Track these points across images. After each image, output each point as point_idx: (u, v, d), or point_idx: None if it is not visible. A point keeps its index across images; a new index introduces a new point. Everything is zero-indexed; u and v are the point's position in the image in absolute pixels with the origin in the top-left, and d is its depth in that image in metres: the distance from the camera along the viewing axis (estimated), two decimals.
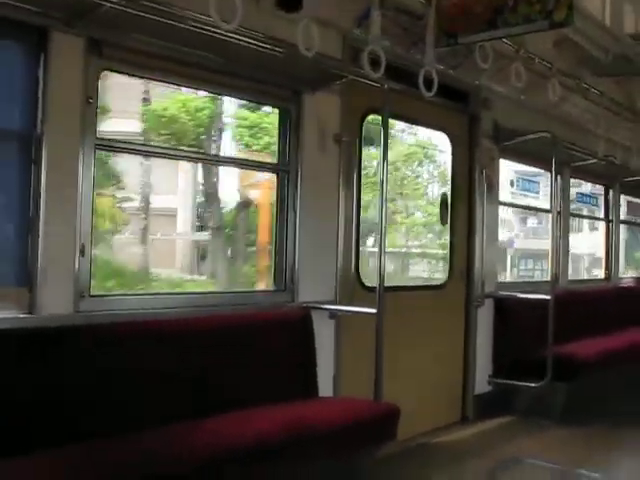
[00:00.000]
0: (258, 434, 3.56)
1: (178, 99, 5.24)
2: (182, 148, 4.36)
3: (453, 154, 6.38)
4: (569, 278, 8.34)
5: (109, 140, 3.92)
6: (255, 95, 4.75)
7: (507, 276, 8.35)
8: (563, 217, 8.00)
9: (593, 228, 10.89)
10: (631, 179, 9.06)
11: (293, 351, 4.58)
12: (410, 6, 5.03)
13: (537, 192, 8.91)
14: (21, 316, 3.50)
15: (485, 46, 5.11)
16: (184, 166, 5.93)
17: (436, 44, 4.83)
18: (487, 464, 5.15)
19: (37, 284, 3.54)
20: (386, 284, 4.57)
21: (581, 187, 9.52)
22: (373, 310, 4.53)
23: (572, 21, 4.35)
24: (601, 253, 9.52)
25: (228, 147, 6.03)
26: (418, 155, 7.70)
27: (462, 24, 4.68)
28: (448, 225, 6.30)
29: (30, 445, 3.17)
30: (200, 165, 5.81)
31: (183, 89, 4.94)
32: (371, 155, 5.74)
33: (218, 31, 3.69)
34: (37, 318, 3.51)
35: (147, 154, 4.33)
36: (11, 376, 3.28)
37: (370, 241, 6.17)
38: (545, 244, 7.80)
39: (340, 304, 5.02)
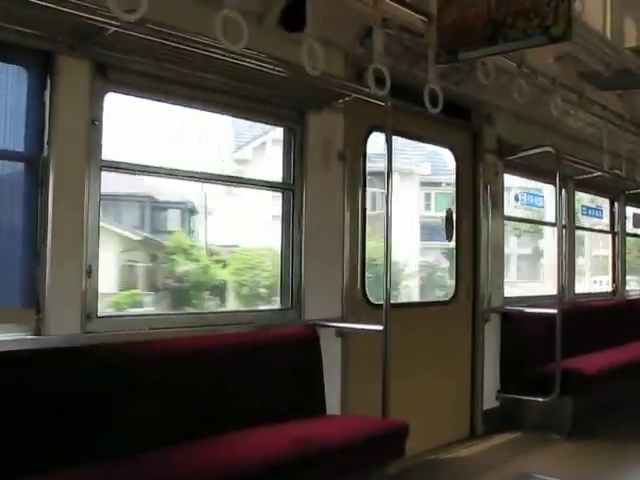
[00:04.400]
0: (267, 453, 3.57)
1: None
2: (188, 169, 4.38)
3: (457, 170, 6.40)
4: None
5: (114, 162, 3.95)
6: (260, 115, 4.78)
7: None
8: (568, 231, 8.00)
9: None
10: (636, 191, 9.06)
11: (300, 369, 4.59)
12: (411, 24, 5.06)
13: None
14: (28, 337, 3.51)
15: (487, 62, 5.14)
16: None
17: (437, 61, 4.85)
18: None
19: (44, 305, 3.55)
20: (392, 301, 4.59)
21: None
22: (380, 327, 4.54)
23: (570, 36, 4.36)
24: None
25: None
26: None
27: (462, 41, 4.70)
28: (454, 241, 6.31)
29: (36, 465, 3.17)
30: None
31: None
32: None
33: (223, 53, 3.72)
34: (44, 339, 3.52)
35: (152, 174, 4.35)
36: (18, 397, 3.29)
37: None
38: None
39: (347, 321, 5.03)
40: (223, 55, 3.75)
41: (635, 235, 10.32)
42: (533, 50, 5.11)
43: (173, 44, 3.61)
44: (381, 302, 4.63)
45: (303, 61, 4.03)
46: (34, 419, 3.31)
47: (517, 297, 7.25)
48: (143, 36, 3.49)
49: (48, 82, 3.61)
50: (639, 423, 6.71)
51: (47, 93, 3.62)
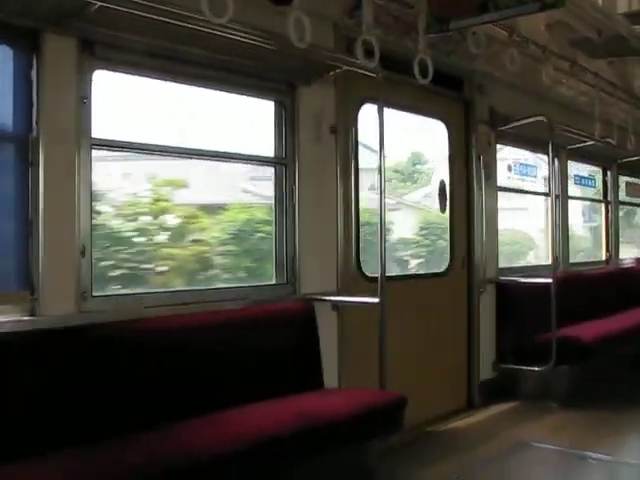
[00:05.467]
0: (266, 427, 3.58)
1: None
2: (180, 146, 4.34)
3: (450, 141, 6.37)
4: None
5: (105, 140, 3.91)
6: (249, 89, 4.73)
7: None
8: (561, 200, 8.00)
9: None
10: (628, 160, 9.07)
11: (297, 343, 4.59)
12: None
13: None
14: (24, 319, 3.49)
15: (478, 31, 5.09)
16: None
17: (428, 30, 4.80)
18: (495, 449, 5.15)
19: (39, 286, 3.54)
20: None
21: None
22: (375, 300, 4.54)
23: (564, 2, 4.33)
24: None
25: None
26: None
27: (453, 9, 4.66)
28: (447, 212, 6.30)
29: (33, 448, 3.16)
30: None
31: None
32: None
33: (209, 26, 3.67)
34: (39, 320, 3.51)
35: (144, 152, 4.31)
36: (15, 379, 3.29)
37: None
38: None
39: (342, 295, 5.02)
40: (210, 28, 3.70)
41: (629, 204, 10.35)
42: (524, 18, 5.08)
43: (158, 18, 3.55)
44: (376, 275, 4.63)
45: (289, 33, 3.98)
46: (31, 400, 3.30)
47: (512, 267, 7.26)
48: (128, 10, 3.44)
49: (34, 60, 3.57)
50: (634, 391, 6.76)
51: (34, 72, 3.57)
